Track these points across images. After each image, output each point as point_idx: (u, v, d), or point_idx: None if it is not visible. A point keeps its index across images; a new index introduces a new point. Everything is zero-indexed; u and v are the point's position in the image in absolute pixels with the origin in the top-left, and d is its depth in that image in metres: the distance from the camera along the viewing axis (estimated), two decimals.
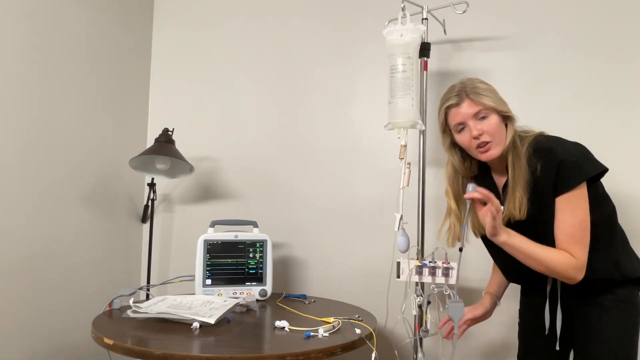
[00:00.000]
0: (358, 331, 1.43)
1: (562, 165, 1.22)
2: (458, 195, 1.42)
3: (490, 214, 1.20)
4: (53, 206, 1.95)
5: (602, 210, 1.30)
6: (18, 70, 1.80)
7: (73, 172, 2.05)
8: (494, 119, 1.29)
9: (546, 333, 1.38)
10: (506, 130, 1.31)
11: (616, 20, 1.92)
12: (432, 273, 1.70)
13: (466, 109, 1.30)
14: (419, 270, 1.71)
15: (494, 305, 1.59)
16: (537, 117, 1.98)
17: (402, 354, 2.08)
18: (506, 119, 1.32)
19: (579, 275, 1.21)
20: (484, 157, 1.33)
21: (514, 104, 2.05)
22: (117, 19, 2.30)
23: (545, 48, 1.99)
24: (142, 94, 2.50)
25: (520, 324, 1.57)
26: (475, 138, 1.30)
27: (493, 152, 1.30)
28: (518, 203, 1.27)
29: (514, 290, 2.00)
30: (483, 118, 1.30)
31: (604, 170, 1.25)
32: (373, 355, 1.31)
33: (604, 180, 1.32)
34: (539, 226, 1.28)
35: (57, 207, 1.97)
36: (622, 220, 1.86)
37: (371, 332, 1.44)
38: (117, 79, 2.31)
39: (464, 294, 2.02)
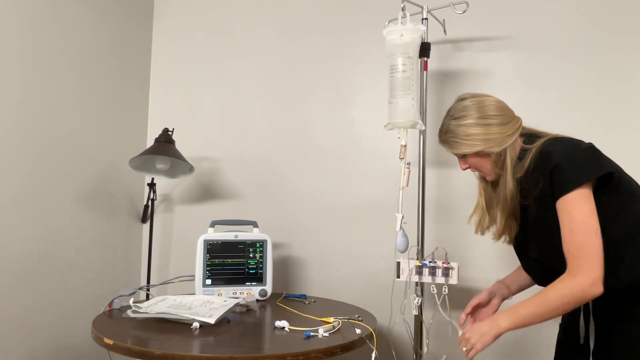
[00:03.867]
0: (358, 331, 1.43)
1: (555, 171, 1.17)
2: (483, 191, 1.42)
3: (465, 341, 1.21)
4: (53, 206, 1.95)
5: (629, 212, 1.19)
6: (18, 70, 1.80)
7: (73, 172, 2.05)
8: (471, 159, 1.34)
9: (581, 342, 1.29)
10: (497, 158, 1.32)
11: (616, 20, 1.92)
12: (432, 273, 1.70)
13: (447, 150, 1.39)
14: (419, 271, 1.71)
15: (502, 291, 1.48)
16: (536, 117, 1.98)
17: (402, 354, 2.08)
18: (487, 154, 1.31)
19: (596, 289, 1.11)
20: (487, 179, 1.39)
21: (513, 104, 2.05)
22: (117, 19, 2.30)
23: (545, 48, 1.99)
24: (142, 94, 2.50)
25: (558, 334, 1.45)
26: (465, 169, 1.39)
27: (489, 179, 1.37)
28: (501, 228, 1.32)
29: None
30: (463, 157, 1.36)
31: (608, 173, 1.16)
32: (373, 355, 1.31)
33: None
34: (552, 240, 1.22)
35: (57, 207, 1.97)
36: None
37: (371, 332, 1.44)
38: (117, 79, 2.31)
39: (466, 294, 2.02)
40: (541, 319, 1.15)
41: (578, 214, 1.14)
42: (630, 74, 1.89)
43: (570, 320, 1.36)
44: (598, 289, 1.11)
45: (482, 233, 1.42)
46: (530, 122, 2.01)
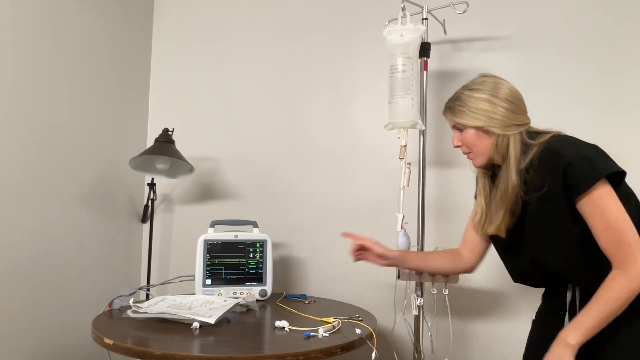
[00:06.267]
0: (358, 331, 1.43)
1: (569, 168, 1.15)
2: (482, 189, 1.40)
3: None
4: (53, 206, 1.95)
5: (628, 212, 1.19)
6: (18, 70, 1.80)
7: (73, 172, 2.05)
8: (469, 132, 1.31)
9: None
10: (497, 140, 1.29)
11: (616, 20, 1.92)
12: (432, 273, 1.70)
13: (449, 118, 1.36)
14: (419, 271, 1.71)
15: (397, 259, 1.48)
16: (536, 117, 1.98)
17: (402, 354, 2.08)
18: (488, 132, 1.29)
19: None
20: (473, 165, 1.35)
21: None
22: (117, 19, 2.30)
23: (545, 48, 1.99)
24: (142, 94, 2.50)
25: (533, 331, 1.44)
26: (457, 147, 1.35)
27: (476, 162, 1.34)
28: (498, 222, 1.27)
29: (516, 290, 2.01)
30: (461, 130, 1.33)
31: (621, 171, 1.17)
32: (373, 355, 1.31)
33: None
34: (556, 241, 1.21)
35: (57, 207, 1.97)
36: None
37: (371, 332, 1.44)
38: (117, 79, 2.31)
39: (465, 294, 2.02)
40: (606, 322, 1.13)
41: (608, 209, 1.14)
42: (630, 73, 1.89)
43: (552, 320, 1.33)
44: None
45: (482, 233, 1.40)
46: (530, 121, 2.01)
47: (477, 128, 1.29)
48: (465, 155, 1.37)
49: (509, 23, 2.04)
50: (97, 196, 2.18)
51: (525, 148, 1.26)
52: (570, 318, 1.27)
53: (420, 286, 1.81)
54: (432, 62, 2.10)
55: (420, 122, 1.65)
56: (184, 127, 2.43)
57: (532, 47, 2.01)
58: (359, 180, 2.20)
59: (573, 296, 1.27)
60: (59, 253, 1.98)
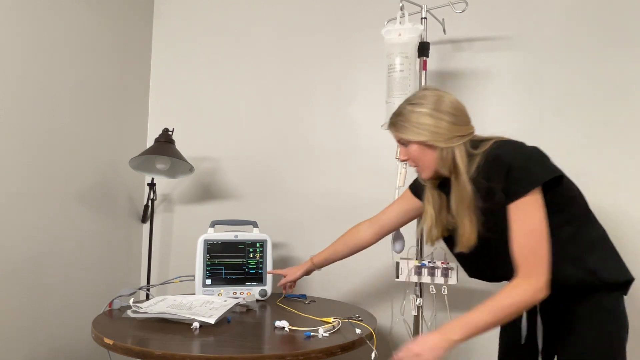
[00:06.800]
0: (358, 331, 1.43)
1: (510, 172, 1.17)
2: (431, 199, 1.39)
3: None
4: (53, 206, 1.96)
5: (568, 214, 1.23)
6: (18, 70, 1.80)
7: (73, 172, 2.06)
8: (413, 147, 1.30)
9: (522, 342, 1.32)
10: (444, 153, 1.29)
11: (616, 20, 1.92)
12: (431, 273, 1.70)
13: (393, 134, 1.35)
14: (418, 271, 1.72)
15: (310, 270, 1.79)
16: (536, 117, 1.98)
17: None
18: (431, 146, 1.29)
19: (543, 293, 1.14)
20: (421, 177, 1.36)
21: (513, 104, 2.06)
22: (117, 19, 2.30)
23: (545, 48, 1.99)
24: (142, 94, 2.50)
25: (501, 334, 1.49)
26: (404, 161, 1.35)
27: (424, 175, 1.33)
28: (468, 229, 1.26)
29: None
30: (405, 144, 1.32)
31: (559, 175, 1.18)
32: (373, 355, 1.31)
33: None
34: (502, 245, 1.22)
35: (57, 207, 1.97)
36: (617, 220, 1.86)
37: (371, 332, 1.44)
38: (117, 79, 2.31)
39: (466, 294, 2.02)
40: (494, 325, 1.15)
41: (532, 218, 1.15)
42: (630, 73, 1.89)
43: (512, 322, 1.35)
44: (545, 292, 1.14)
45: (432, 244, 1.39)
46: (529, 122, 2.02)
47: (420, 143, 1.28)
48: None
49: (509, 23, 2.04)
50: (97, 196, 2.18)
51: (469, 158, 1.26)
52: (529, 316, 1.30)
53: (419, 286, 1.81)
54: (432, 62, 2.10)
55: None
56: (184, 127, 2.43)
57: (531, 47, 2.01)
58: (358, 180, 2.20)
59: None
60: (59, 253, 1.98)
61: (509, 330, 1.40)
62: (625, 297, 1.25)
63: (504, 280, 1.31)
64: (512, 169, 1.17)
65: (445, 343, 1.12)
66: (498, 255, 1.25)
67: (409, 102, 1.32)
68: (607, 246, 1.26)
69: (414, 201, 1.55)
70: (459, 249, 1.29)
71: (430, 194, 1.38)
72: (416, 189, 1.54)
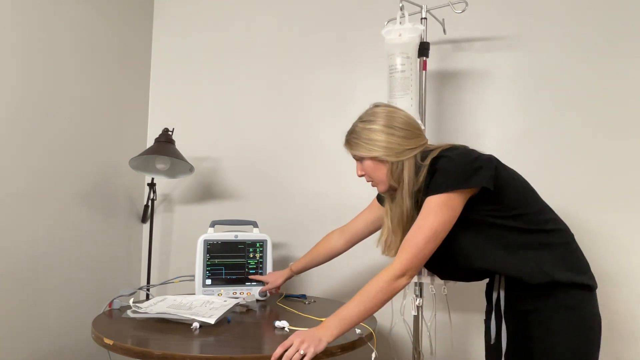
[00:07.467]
0: (358, 331, 1.43)
1: (435, 174, 1.22)
2: (390, 211, 1.42)
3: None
4: (53, 206, 1.96)
5: (517, 215, 1.23)
6: (18, 69, 1.80)
7: (73, 172, 2.06)
8: (367, 163, 1.35)
9: (492, 343, 1.32)
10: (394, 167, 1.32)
11: (617, 20, 1.92)
12: (431, 273, 1.70)
13: (348, 151, 1.40)
14: (418, 271, 1.71)
15: (289, 276, 1.82)
16: (536, 117, 1.98)
17: (401, 354, 2.09)
18: (383, 161, 1.32)
19: (400, 282, 1.20)
20: (378, 191, 1.40)
21: (512, 104, 2.06)
22: (117, 19, 2.30)
23: (545, 48, 1.99)
24: (142, 94, 2.50)
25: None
26: (361, 176, 1.39)
27: (379, 189, 1.38)
28: (396, 244, 1.31)
29: None
30: (360, 160, 1.37)
31: (482, 187, 1.20)
32: (373, 355, 1.31)
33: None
34: (449, 251, 1.26)
35: (57, 207, 1.97)
36: (617, 220, 1.86)
37: (371, 332, 1.44)
38: (117, 79, 2.31)
39: (466, 294, 2.02)
40: (368, 314, 1.22)
41: (432, 216, 1.20)
42: (630, 73, 1.89)
43: (486, 323, 1.38)
44: (406, 281, 1.21)
45: (392, 255, 1.39)
46: (529, 121, 2.02)
47: (372, 158, 1.33)
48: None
49: (509, 23, 2.04)
50: (97, 196, 2.18)
51: (417, 170, 1.29)
52: (497, 316, 1.31)
53: (419, 286, 1.81)
54: (432, 62, 2.10)
55: (420, 122, 1.65)
56: (184, 127, 2.43)
57: (531, 48, 2.01)
58: (358, 179, 2.19)
59: (498, 295, 1.30)
60: (59, 253, 1.98)
61: (486, 331, 1.41)
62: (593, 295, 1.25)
63: (476, 280, 1.35)
64: (436, 171, 1.23)
65: (326, 337, 1.19)
66: (452, 258, 1.29)
67: (360, 119, 1.38)
68: (568, 245, 1.27)
69: (380, 211, 1.58)
70: (391, 255, 1.37)
71: (388, 206, 1.41)
72: (381, 198, 1.57)
